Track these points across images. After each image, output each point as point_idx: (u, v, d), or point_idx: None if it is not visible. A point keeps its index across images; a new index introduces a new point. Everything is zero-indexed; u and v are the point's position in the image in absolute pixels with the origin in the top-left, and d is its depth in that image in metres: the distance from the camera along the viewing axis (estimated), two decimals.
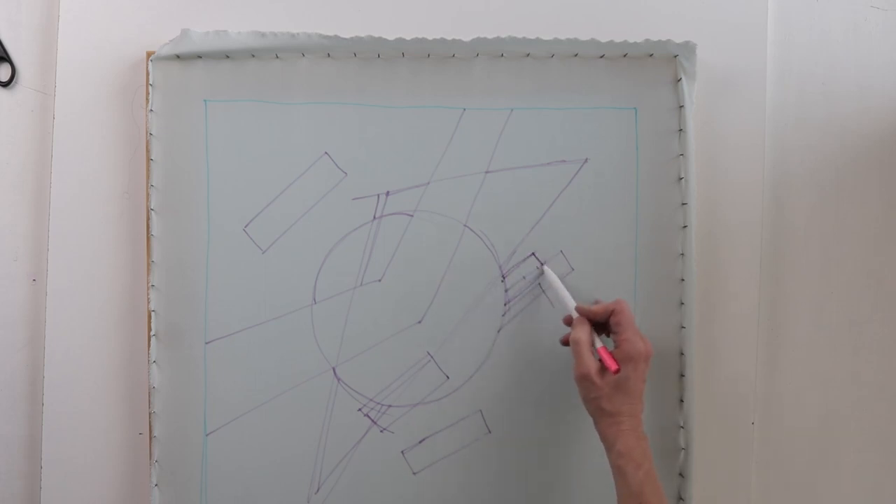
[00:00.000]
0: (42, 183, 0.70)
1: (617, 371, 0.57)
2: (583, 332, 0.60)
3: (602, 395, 0.57)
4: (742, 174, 0.70)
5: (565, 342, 0.66)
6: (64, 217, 0.68)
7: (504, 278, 0.68)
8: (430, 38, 0.66)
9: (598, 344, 0.60)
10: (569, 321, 0.64)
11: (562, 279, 0.67)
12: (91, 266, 0.69)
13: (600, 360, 0.59)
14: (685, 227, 0.68)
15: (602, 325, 0.62)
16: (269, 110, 0.67)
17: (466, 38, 0.66)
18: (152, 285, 0.66)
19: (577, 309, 0.62)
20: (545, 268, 0.67)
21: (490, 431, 0.68)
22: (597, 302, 0.66)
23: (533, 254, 0.68)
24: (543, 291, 0.67)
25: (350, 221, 0.68)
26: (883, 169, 0.72)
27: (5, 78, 0.70)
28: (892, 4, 0.72)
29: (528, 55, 0.68)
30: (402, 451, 0.68)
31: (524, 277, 0.68)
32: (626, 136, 0.68)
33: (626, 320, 0.59)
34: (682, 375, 0.68)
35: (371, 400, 0.68)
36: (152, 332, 0.66)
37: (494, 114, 0.68)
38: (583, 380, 0.58)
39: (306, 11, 0.69)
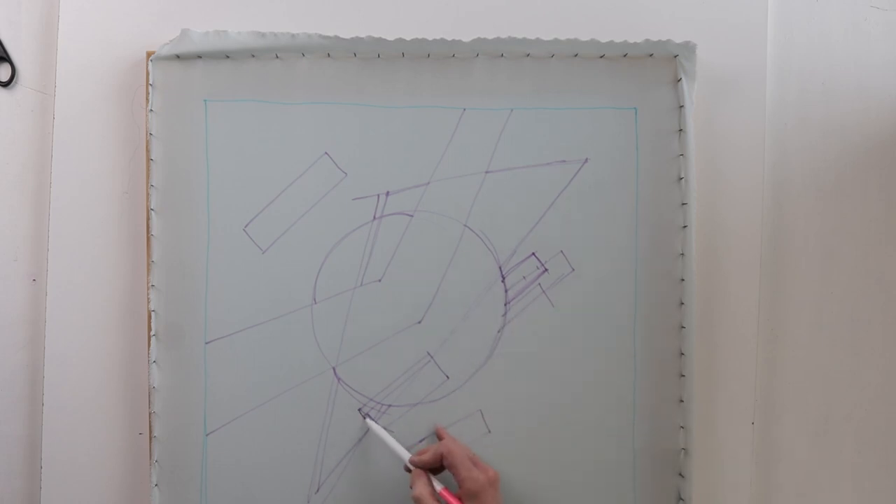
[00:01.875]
0: (42, 183, 0.70)
1: None
2: (422, 487, 0.60)
3: None
4: (742, 174, 0.70)
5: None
6: (64, 217, 0.68)
7: (504, 278, 0.68)
8: (430, 38, 0.66)
9: (439, 487, 0.60)
10: (408, 470, 0.64)
11: (562, 279, 0.67)
12: (91, 266, 0.69)
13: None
14: (685, 227, 0.68)
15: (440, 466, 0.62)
16: (269, 110, 0.67)
17: (466, 38, 0.66)
18: (152, 285, 0.66)
19: (411, 461, 0.63)
20: (368, 421, 0.67)
21: (490, 431, 0.68)
22: (438, 434, 0.67)
23: (533, 254, 0.68)
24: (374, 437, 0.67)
25: (350, 221, 0.68)
26: (883, 169, 0.72)
27: (5, 78, 0.70)
28: (892, 4, 0.72)
29: (528, 55, 0.68)
30: None
31: (524, 277, 0.68)
32: (626, 136, 0.68)
33: (457, 460, 0.60)
34: (682, 375, 0.68)
35: (371, 400, 0.68)
36: (152, 332, 0.66)
37: (494, 114, 0.68)
38: None
39: (306, 11, 0.69)
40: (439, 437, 0.67)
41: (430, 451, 0.62)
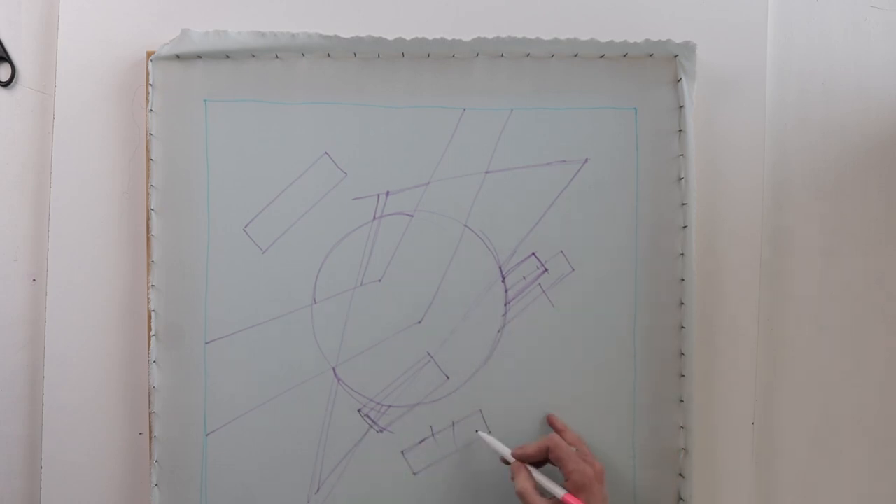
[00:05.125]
0: (42, 183, 0.70)
1: None
2: (524, 480, 0.60)
3: None
4: (742, 174, 0.70)
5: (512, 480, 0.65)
6: (64, 217, 0.68)
7: (504, 278, 0.68)
8: (430, 38, 0.66)
9: (545, 481, 0.60)
10: (507, 463, 0.64)
11: (562, 279, 0.67)
12: (91, 266, 0.69)
13: (563, 502, 0.58)
14: (685, 227, 0.68)
15: (543, 460, 0.62)
16: (269, 110, 0.67)
17: (466, 38, 0.66)
18: (152, 285, 0.66)
19: (514, 454, 0.62)
20: (479, 433, 0.67)
21: (490, 432, 0.68)
22: (550, 422, 0.67)
23: (533, 254, 0.68)
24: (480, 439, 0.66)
25: (350, 221, 0.68)
26: (883, 169, 0.72)
27: (5, 78, 0.70)
28: (892, 4, 0.72)
29: (528, 55, 0.68)
30: (402, 451, 0.68)
31: (524, 277, 0.68)
32: (626, 136, 0.68)
33: (564, 453, 0.59)
34: (682, 375, 0.68)
35: (371, 400, 0.68)
36: (152, 332, 0.66)
37: (494, 114, 0.68)
38: None
39: (306, 11, 0.69)
40: (551, 425, 0.67)
41: (535, 445, 0.61)
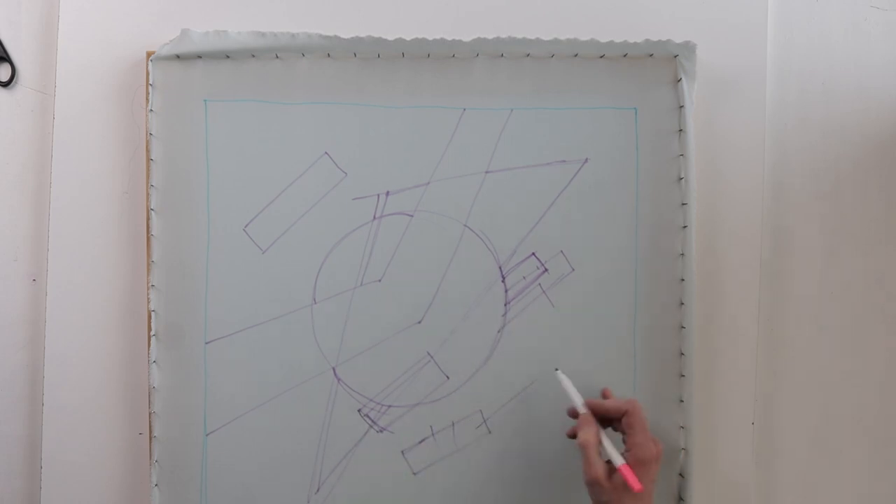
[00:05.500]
0: (42, 183, 0.70)
1: (641, 491, 0.55)
2: (591, 435, 0.58)
3: (612, 500, 0.56)
4: (742, 174, 0.70)
5: (571, 435, 0.63)
6: (64, 217, 0.68)
7: (504, 278, 0.68)
8: (430, 38, 0.66)
9: (608, 444, 0.59)
10: (573, 414, 0.63)
11: (562, 279, 0.67)
12: (91, 266, 0.69)
13: (614, 468, 0.57)
14: (685, 227, 0.68)
15: (608, 419, 0.61)
16: (269, 110, 0.67)
17: (466, 38, 0.66)
18: (152, 285, 0.66)
19: (589, 404, 0.61)
20: (558, 373, 0.65)
21: (490, 431, 0.68)
22: (604, 396, 0.65)
23: (533, 254, 0.68)
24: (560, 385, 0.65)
25: (350, 221, 0.68)
26: (883, 169, 0.72)
27: (5, 78, 0.70)
28: (892, 4, 0.72)
29: (528, 55, 0.68)
30: (402, 451, 0.68)
31: (524, 277, 0.68)
32: (626, 136, 0.68)
33: (638, 423, 0.58)
34: (682, 375, 0.68)
35: (371, 400, 0.68)
36: (152, 332, 0.66)
37: (494, 114, 0.68)
38: (593, 484, 0.57)
39: (306, 11, 0.69)
40: (605, 397, 0.65)
41: (614, 402, 0.60)
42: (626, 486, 0.55)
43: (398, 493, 0.68)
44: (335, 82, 0.67)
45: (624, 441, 0.60)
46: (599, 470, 0.56)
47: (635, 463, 0.56)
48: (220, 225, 0.67)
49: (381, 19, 0.69)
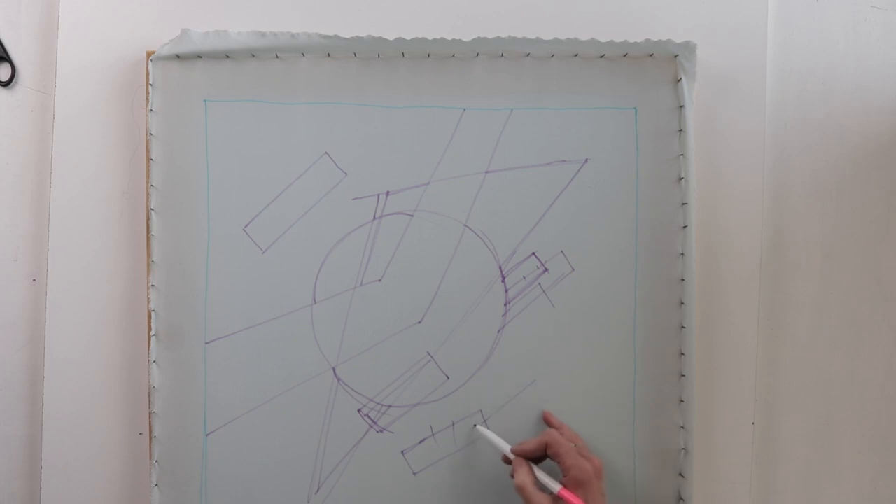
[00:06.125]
0: (42, 183, 0.70)
1: None
2: (524, 476, 0.60)
3: None
4: (742, 174, 0.70)
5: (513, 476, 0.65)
6: (64, 217, 0.68)
7: (504, 278, 0.68)
8: (430, 38, 0.66)
9: (543, 476, 0.60)
10: (506, 460, 0.65)
11: (562, 279, 0.68)
12: (91, 266, 0.69)
13: (559, 497, 0.58)
14: (685, 227, 0.68)
15: (542, 455, 0.62)
16: (269, 110, 0.67)
17: (466, 38, 0.66)
18: (152, 285, 0.66)
19: (513, 451, 0.63)
20: (477, 427, 0.68)
21: (489, 428, 0.68)
22: (545, 419, 0.67)
23: (533, 254, 0.68)
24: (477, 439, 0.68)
25: (350, 221, 0.68)
26: (883, 169, 0.72)
27: (5, 78, 0.70)
28: (892, 4, 0.72)
29: (528, 55, 0.68)
30: (402, 451, 0.68)
31: (524, 277, 0.68)
32: (626, 136, 0.68)
33: (562, 449, 0.60)
34: (683, 375, 0.68)
35: (371, 400, 0.68)
36: (152, 332, 0.66)
37: (494, 114, 0.68)
38: None
39: (306, 11, 0.69)
40: (547, 422, 0.67)
41: (534, 441, 0.62)
42: None
43: (398, 493, 0.68)
44: (335, 82, 0.67)
45: (561, 470, 0.60)
46: (543, 502, 0.58)
47: (574, 485, 0.58)
48: (220, 225, 0.67)
49: (381, 19, 0.69)
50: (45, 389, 0.68)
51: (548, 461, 0.62)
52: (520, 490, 0.59)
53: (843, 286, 0.72)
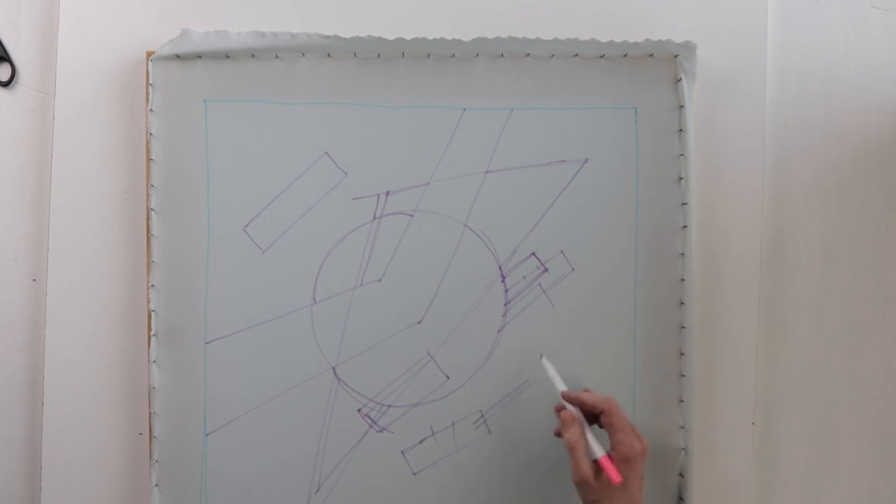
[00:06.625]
0: (42, 183, 0.70)
1: (620, 482, 0.55)
2: (575, 433, 0.58)
3: (602, 498, 0.56)
4: (742, 174, 0.70)
5: (557, 433, 0.63)
6: (64, 217, 0.68)
7: (504, 278, 0.68)
8: (430, 38, 0.66)
9: (592, 440, 0.59)
10: (560, 409, 0.63)
11: (562, 279, 0.67)
12: (91, 266, 0.69)
13: (600, 465, 0.57)
14: (685, 227, 0.68)
15: (592, 416, 0.61)
16: (269, 110, 0.67)
17: (466, 38, 0.66)
18: (152, 285, 0.66)
19: (568, 397, 0.61)
20: (543, 360, 0.65)
21: (490, 431, 0.68)
22: (586, 390, 0.65)
23: (533, 254, 0.68)
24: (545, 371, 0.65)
25: (350, 221, 0.68)
26: (883, 169, 0.72)
27: (5, 78, 0.70)
28: (892, 4, 0.72)
29: (528, 55, 0.68)
30: (402, 451, 0.68)
31: (524, 277, 0.68)
32: (626, 136, 0.68)
33: (618, 421, 0.58)
34: (683, 375, 0.68)
35: (371, 400, 0.68)
36: (152, 332, 0.66)
37: (494, 114, 0.68)
38: (581, 484, 0.57)
39: (306, 11, 0.69)
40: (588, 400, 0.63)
41: (595, 398, 0.60)
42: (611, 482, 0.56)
43: (398, 493, 0.68)
44: (335, 82, 0.67)
45: (610, 441, 0.59)
46: (587, 469, 0.57)
47: (620, 460, 0.57)
48: (220, 225, 0.67)
49: (382, 19, 0.69)
50: (45, 389, 0.68)
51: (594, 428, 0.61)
52: (570, 446, 0.57)
53: (843, 286, 0.72)
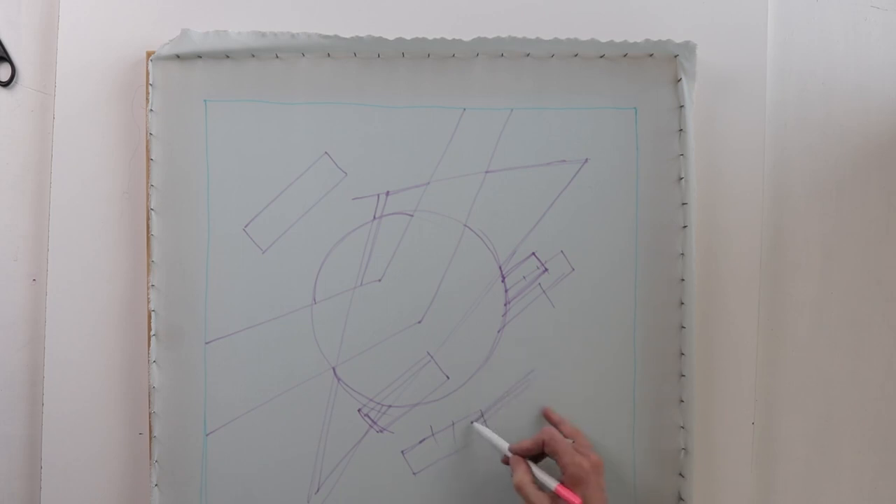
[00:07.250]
0: (42, 183, 0.70)
1: (580, 503, 0.57)
2: (522, 475, 0.60)
3: None
4: (742, 174, 0.70)
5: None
6: (64, 217, 0.68)
7: (504, 278, 0.68)
8: (430, 38, 0.66)
9: (541, 475, 0.60)
10: (506, 461, 0.65)
11: (562, 279, 0.68)
12: (91, 266, 0.69)
13: (556, 494, 0.58)
14: (685, 227, 0.68)
15: (541, 454, 0.62)
16: (269, 110, 0.67)
17: (466, 38, 0.66)
18: (152, 285, 0.66)
19: (511, 449, 0.63)
20: (474, 424, 0.67)
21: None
22: (546, 416, 0.67)
23: (533, 254, 0.68)
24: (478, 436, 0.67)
25: (350, 221, 0.68)
26: (883, 169, 0.72)
27: (5, 78, 0.70)
28: (892, 4, 0.72)
29: (528, 55, 0.68)
30: (402, 451, 0.68)
31: (524, 277, 0.68)
32: (626, 136, 0.68)
33: (560, 447, 0.59)
34: (683, 375, 0.68)
35: (371, 400, 0.68)
36: (152, 332, 0.66)
37: (494, 114, 0.68)
38: None
39: (306, 11, 0.69)
40: (547, 418, 0.67)
41: (531, 439, 0.62)
42: None
43: (398, 493, 0.68)
44: (335, 82, 0.67)
45: (559, 468, 0.60)
46: (543, 502, 0.58)
47: (572, 483, 0.58)
48: (220, 225, 0.67)
49: (381, 19, 0.69)
50: (45, 389, 0.68)
51: (549, 459, 0.62)
52: (518, 489, 0.59)
53: (843, 286, 0.72)
